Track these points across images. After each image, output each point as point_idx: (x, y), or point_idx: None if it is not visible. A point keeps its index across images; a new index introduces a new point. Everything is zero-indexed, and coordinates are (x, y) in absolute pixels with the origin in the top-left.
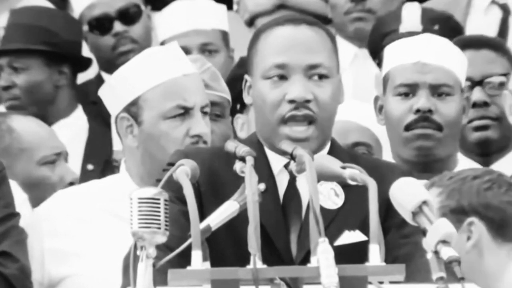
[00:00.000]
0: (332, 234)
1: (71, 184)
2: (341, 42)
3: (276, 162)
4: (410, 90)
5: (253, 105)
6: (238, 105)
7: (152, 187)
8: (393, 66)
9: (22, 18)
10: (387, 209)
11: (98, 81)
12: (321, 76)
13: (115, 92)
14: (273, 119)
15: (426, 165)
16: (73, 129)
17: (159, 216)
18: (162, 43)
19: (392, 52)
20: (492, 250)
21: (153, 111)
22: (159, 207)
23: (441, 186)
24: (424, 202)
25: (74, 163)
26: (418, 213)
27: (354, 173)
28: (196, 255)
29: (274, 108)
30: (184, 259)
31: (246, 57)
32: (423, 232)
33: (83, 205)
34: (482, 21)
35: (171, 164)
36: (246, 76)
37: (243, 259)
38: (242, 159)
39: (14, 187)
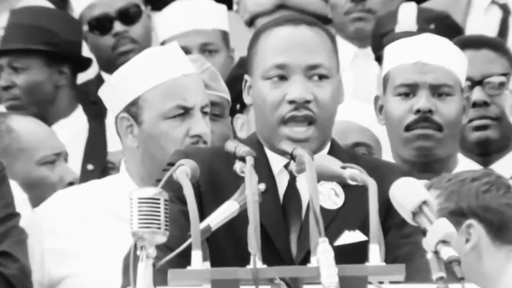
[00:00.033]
0: (332, 234)
1: (71, 184)
2: (341, 42)
3: (276, 162)
4: (410, 90)
5: (253, 106)
6: (237, 105)
7: (152, 187)
8: (393, 66)
9: (22, 18)
10: (387, 209)
11: (98, 81)
12: (321, 77)
13: (115, 92)
14: (273, 120)
15: (426, 165)
16: (73, 129)
17: (159, 216)
18: (162, 43)
19: (392, 52)
20: (491, 252)
21: (153, 111)
22: (159, 207)
23: (439, 188)
24: (424, 202)
25: (74, 163)
26: (418, 213)
27: (354, 173)
28: (196, 255)
29: (274, 108)
30: (184, 259)
31: (246, 57)
32: (423, 232)
33: (83, 205)
34: (482, 21)
35: (171, 164)
36: (246, 76)
37: (243, 259)
38: (242, 159)
39: (14, 187)
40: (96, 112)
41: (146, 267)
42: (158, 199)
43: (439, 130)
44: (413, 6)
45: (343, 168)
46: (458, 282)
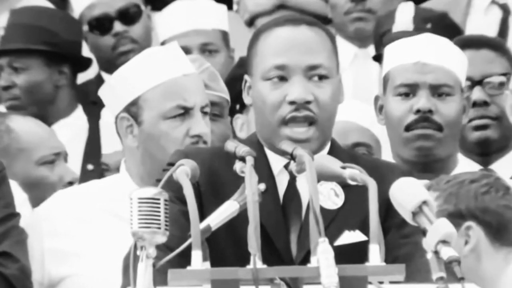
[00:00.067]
0: (332, 234)
1: (70, 183)
2: (341, 42)
3: (276, 162)
4: (410, 90)
5: (253, 106)
6: (237, 105)
7: (152, 187)
8: (393, 66)
9: (22, 18)
10: (387, 209)
11: (98, 81)
12: (321, 77)
13: (115, 92)
14: (273, 120)
15: (426, 165)
16: (73, 129)
17: (159, 216)
18: (162, 43)
19: (392, 52)
20: (490, 254)
21: (153, 111)
22: (159, 207)
23: (438, 190)
24: (424, 202)
25: (74, 163)
26: (418, 213)
27: (354, 173)
28: (196, 255)
29: (275, 109)
30: (184, 259)
31: (246, 57)
32: (423, 232)
33: (83, 205)
34: (482, 21)
35: (171, 164)
36: (245, 77)
37: (243, 259)
38: (242, 159)
39: (14, 187)
40: (96, 112)
41: (146, 267)
42: (158, 199)
43: (439, 130)
44: (410, 5)
45: (343, 168)
46: (458, 282)
